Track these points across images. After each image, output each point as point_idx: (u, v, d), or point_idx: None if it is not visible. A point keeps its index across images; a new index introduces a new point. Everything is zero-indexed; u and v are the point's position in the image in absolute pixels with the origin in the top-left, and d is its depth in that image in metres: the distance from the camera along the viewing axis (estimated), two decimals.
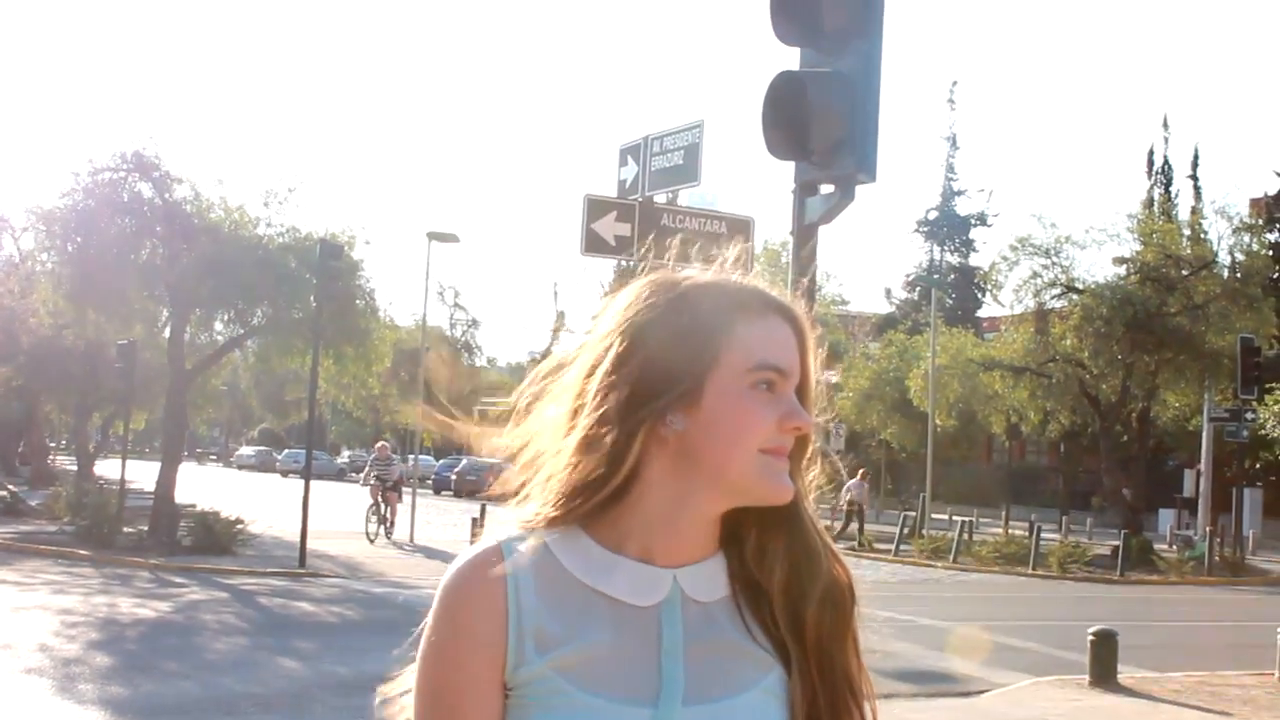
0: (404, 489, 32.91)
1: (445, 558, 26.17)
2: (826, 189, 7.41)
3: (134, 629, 15.85)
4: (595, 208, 10.07)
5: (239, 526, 25.95)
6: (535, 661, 1.66)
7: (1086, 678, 14.14)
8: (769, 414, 1.67)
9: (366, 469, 33.22)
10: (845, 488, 37.94)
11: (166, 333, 29.56)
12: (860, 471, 41.04)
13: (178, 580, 20.86)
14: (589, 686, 1.63)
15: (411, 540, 30.54)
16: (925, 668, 15.25)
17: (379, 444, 35.08)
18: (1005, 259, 40.20)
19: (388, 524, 30.76)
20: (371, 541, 29.16)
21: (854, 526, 38.36)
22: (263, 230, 27.48)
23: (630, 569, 1.69)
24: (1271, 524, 50.44)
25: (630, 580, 1.69)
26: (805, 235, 7.42)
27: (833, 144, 7.00)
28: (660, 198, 10.56)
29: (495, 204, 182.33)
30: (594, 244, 10.08)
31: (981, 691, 13.95)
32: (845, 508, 38.57)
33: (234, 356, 37.10)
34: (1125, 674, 14.43)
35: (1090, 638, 14.26)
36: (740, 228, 10.61)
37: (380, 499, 30.82)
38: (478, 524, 26.31)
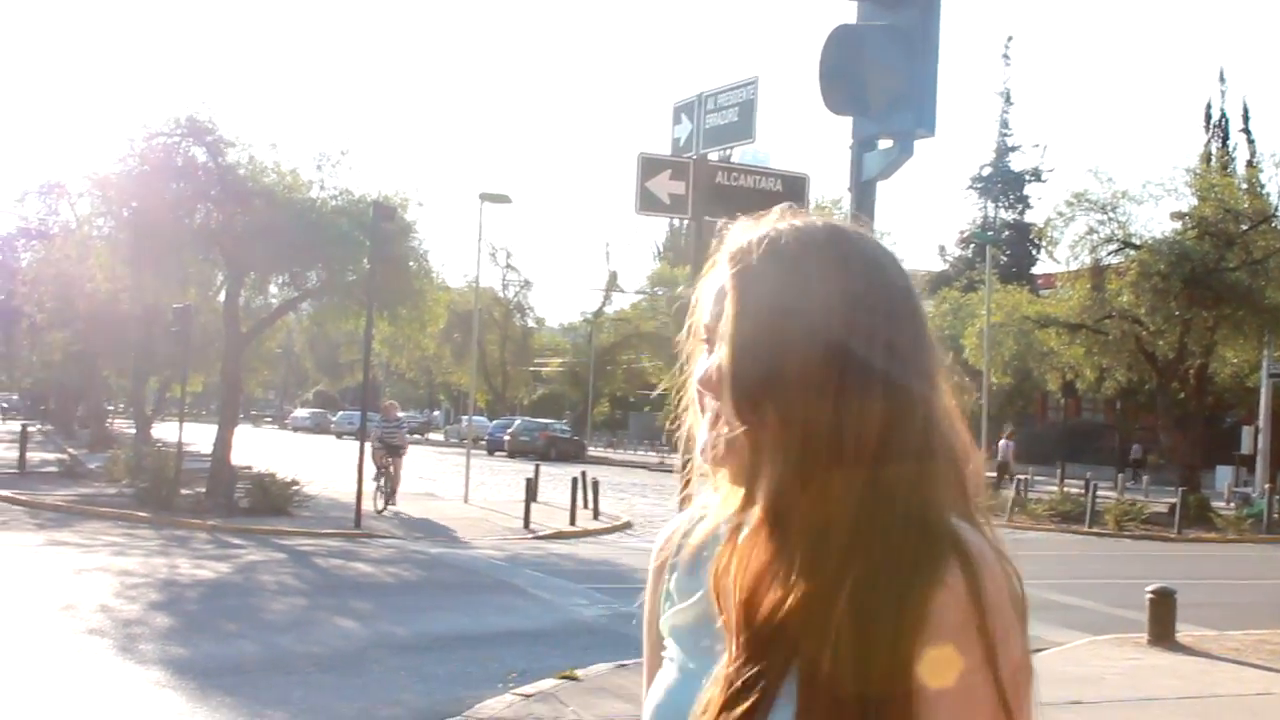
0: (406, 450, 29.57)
1: (500, 518, 26.30)
2: (884, 144, 7.32)
3: (193, 590, 15.99)
4: (649, 166, 10.00)
5: (295, 488, 26.12)
6: (664, 618, 1.71)
7: (1145, 636, 14.02)
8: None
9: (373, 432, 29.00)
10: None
11: (221, 296, 29.73)
12: (1007, 431, 40.92)
13: (235, 541, 21.01)
14: (685, 644, 1.66)
15: (466, 500, 30.65)
16: None
17: (385, 403, 31.86)
18: (1061, 215, 39.85)
19: (390, 492, 27.70)
20: (379, 512, 26.36)
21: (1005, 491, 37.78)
22: (316, 193, 27.54)
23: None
24: None
25: None
26: (863, 191, 7.34)
27: (891, 98, 6.91)
28: (714, 155, 10.49)
29: (548, 164, 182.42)
30: (648, 202, 10.01)
31: (1039, 650, 13.86)
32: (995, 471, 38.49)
33: (289, 319, 37.29)
34: (1183, 632, 14.31)
35: (1149, 596, 14.14)
36: (795, 185, 10.53)
37: (385, 464, 27.79)
38: (532, 483, 26.51)
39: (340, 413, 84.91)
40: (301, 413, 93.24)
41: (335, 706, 9.96)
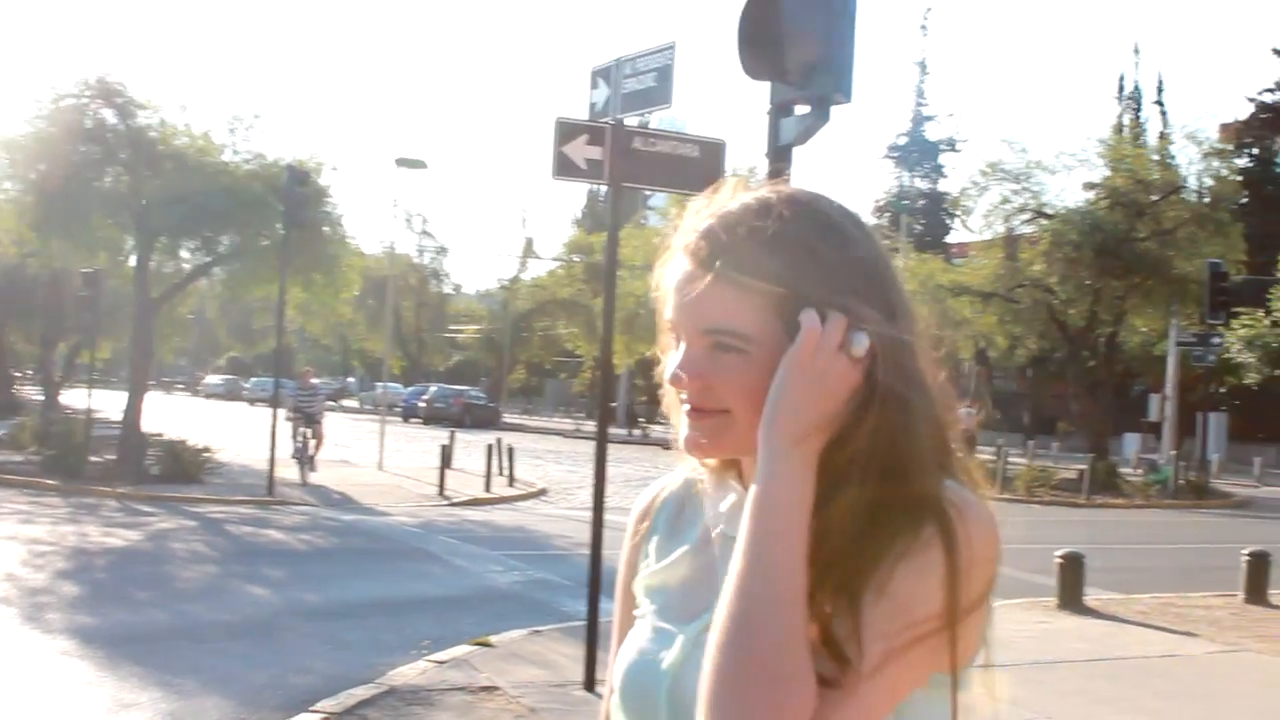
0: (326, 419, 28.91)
1: (415, 485, 26.17)
2: (802, 110, 7.30)
3: (102, 558, 15.76)
4: (566, 131, 9.92)
5: (206, 455, 25.88)
6: (641, 578, 1.72)
7: (1054, 600, 14.20)
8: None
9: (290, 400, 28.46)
10: None
11: (132, 261, 29.26)
12: (968, 400, 41.24)
13: (145, 509, 20.76)
14: (660, 604, 1.67)
15: (381, 468, 30.47)
16: None
17: (302, 370, 30.90)
18: (975, 184, 40.23)
19: (310, 461, 26.84)
20: (303, 484, 25.48)
21: None
22: (228, 157, 27.17)
23: (733, 500, 1.65)
24: (1235, 448, 50.93)
25: (730, 510, 1.65)
26: (780, 157, 7.33)
27: (809, 64, 6.89)
28: (632, 121, 10.43)
29: (464, 129, 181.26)
30: (565, 168, 9.92)
31: None
32: None
33: (201, 285, 36.78)
34: (1092, 596, 14.52)
35: (1058, 561, 14.32)
36: (713, 151, 10.48)
37: (302, 434, 26.94)
38: (447, 450, 26.39)
39: (253, 379, 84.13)
40: (214, 379, 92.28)
41: (247, 674, 9.86)
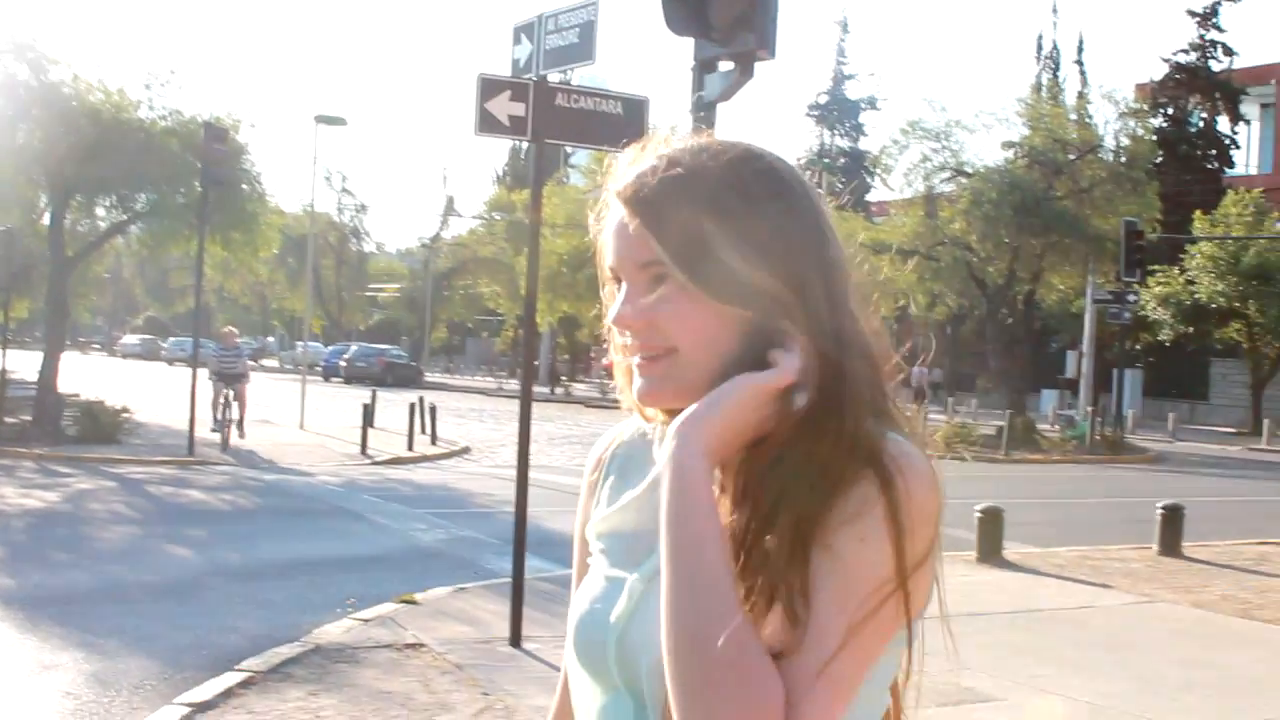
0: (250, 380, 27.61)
1: (337, 444, 26.05)
2: (725, 66, 7.31)
3: (20, 520, 15.57)
4: (489, 87, 9.86)
5: (125, 416, 25.60)
6: (593, 523, 1.73)
7: (974, 554, 14.38)
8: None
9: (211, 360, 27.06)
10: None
11: (46, 219, 28.80)
12: (922, 358, 41.54)
13: (64, 470, 20.54)
14: (609, 552, 1.68)
15: (302, 427, 30.29)
16: None
17: (224, 330, 28.75)
18: (896, 143, 40.47)
19: (238, 426, 25.73)
20: (226, 447, 24.41)
21: None
22: (144, 114, 26.80)
23: None
24: (1150, 404, 51.72)
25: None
26: (704, 114, 7.33)
27: (733, 19, 6.90)
28: (554, 77, 10.40)
29: (383, 86, 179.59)
30: (488, 124, 9.87)
31: None
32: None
33: (117, 243, 36.30)
34: (1011, 550, 14.71)
35: (978, 515, 14.50)
36: (635, 108, 10.47)
37: (225, 397, 25.59)
38: (369, 409, 26.26)
39: (172, 339, 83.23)
40: (131, 339, 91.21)
41: (170, 634, 9.80)
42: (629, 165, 1.61)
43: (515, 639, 9.24)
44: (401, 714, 7.49)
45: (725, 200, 1.53)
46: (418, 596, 10.93)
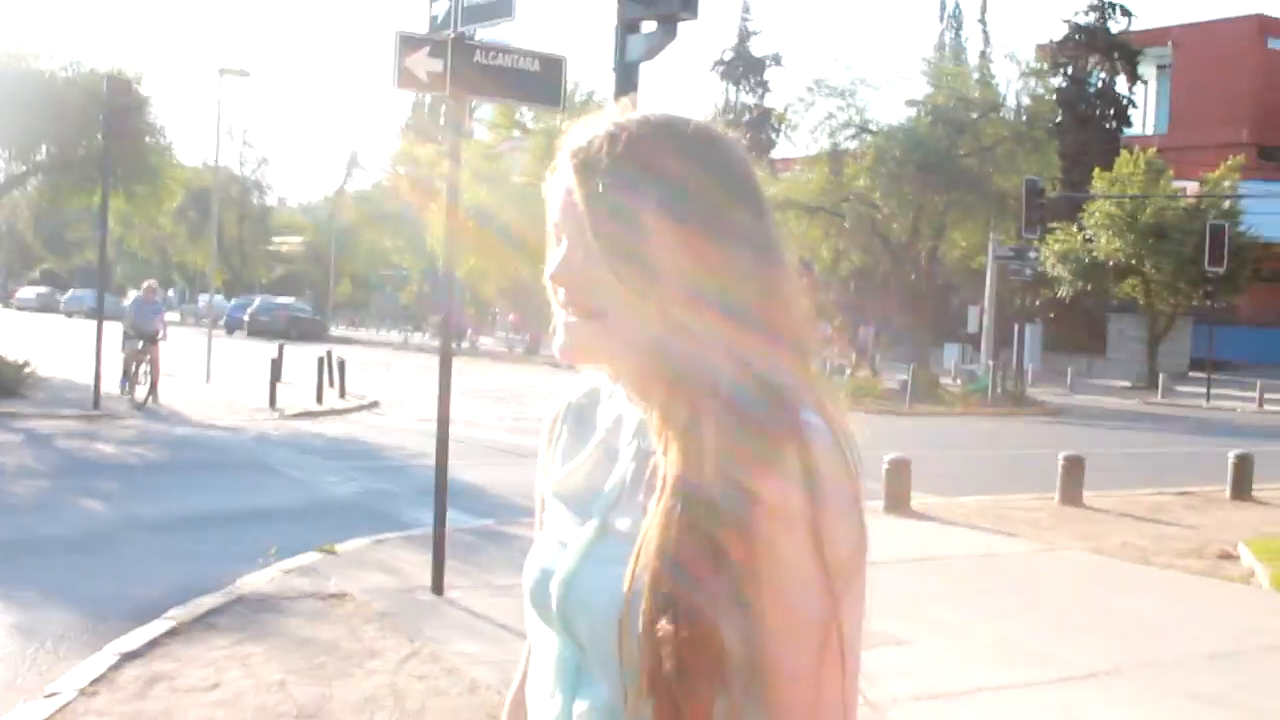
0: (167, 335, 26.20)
1: (245, 397, 25.88)
2: (648, 27, 7.43)
3: None
4: (408, 44, 9.91)
5: (27, 369, 25.24)
6: (549, 483, 1.78)
7: (881, 504, 14.68)
8: None
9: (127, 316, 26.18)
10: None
11: None
12: (866, 320, 41.95)
13: None
14: (559, 510, 1.73)
15: (208, 381, 30.06)
16: None
17: (146, 284, 27.30)
18: (801, 100, 40.73)
19: (151, 384, 24.62)
20: (139, 405, 23.69)
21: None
22: (45, 65, 26.40)
23: (623, 407, 1.72)
24: (1050, 358, 52.53)
25: (618, 418, 1.72)
26: (627, 73, 7.46)
27: None
28: (483, 34, 10.44)
29: (286, 38, 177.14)
30: (406, 79, 9.93)
31: None
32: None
33: (14, 195, 35.74)
34: (917, 500, 15.01)
35: (885, 466, 14.79)
36: (552, 66, 10.55)
37: (138, 356, 24.69)
38: (277, 363, 26.10)
39: (70, 292, 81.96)
40: (28, 292, 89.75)
41: (88, 586, 9.82)
42: (584, 130, 1.65)
43: (437, 587, 9.37)
44: (329, 661, 7.60)
45: (663, 180, 1.56)
46: (337, 547, 11.01)
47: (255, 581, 9.64)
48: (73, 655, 7.83)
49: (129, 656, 7.51)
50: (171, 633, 8.05)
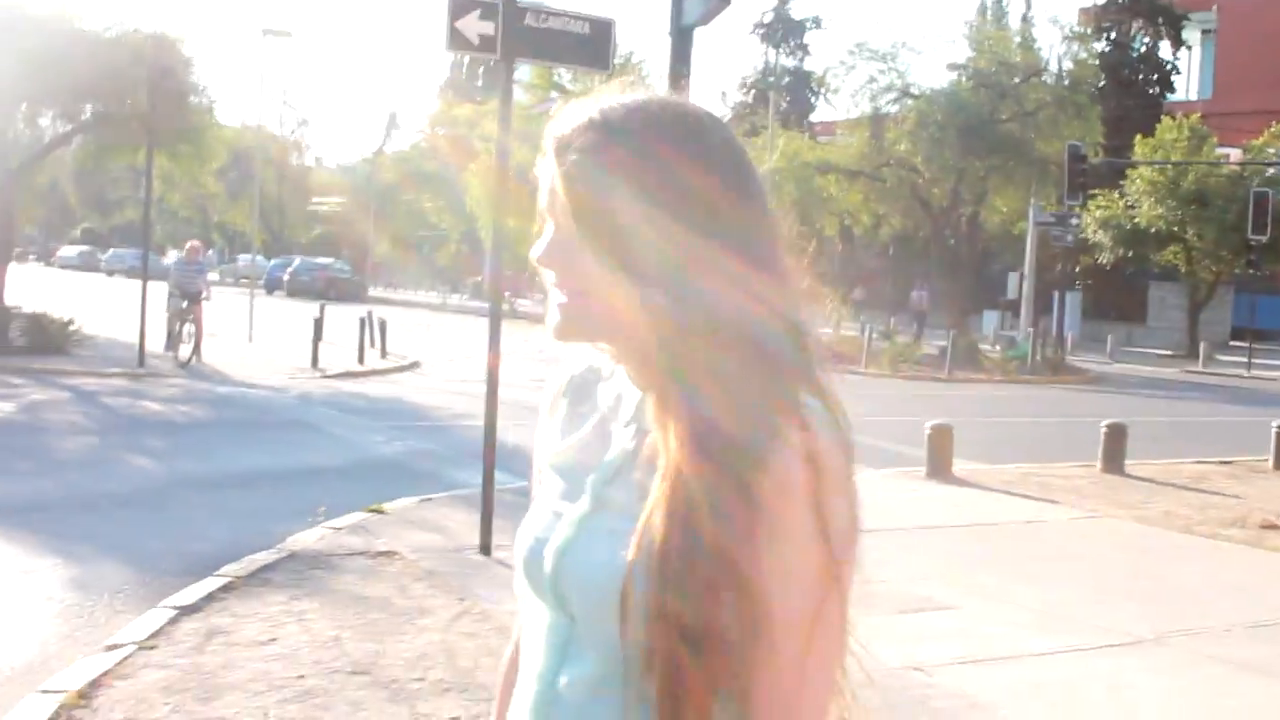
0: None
1: (287, 357, 26.06)
2: None
3: None
4: (459, 6, 9.96)
5: (72, 327, 25.49)
6: (548, 455, 1.80)
7: (923, 470, 14.73)
8: None
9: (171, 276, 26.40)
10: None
11: None
12: (918, 283, 42.03)
13: (14, 380, 20.48)
14: (556, 484, 1.76)
15: (250, 340, 30.28)
16: None
17: (189, 244, 27.86)
18: (843, 63, 40.56)
19: (195, 344, 24.83)
20: (183, 365, 23.95)
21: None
22: (90, 24, 26.51)
23: (623, 385, 1.74)
24: (1089, 325, 52.33)
25: (619, 395, 1.74)
26: (682, 38, 7.48)
27: None
28: None
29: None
30: (458, 41, 9.98)
31: None
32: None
33: (58, 154, 35.95)
34: (958, 466, 15.04)
35: (928, 432, 14.83)
36: (602, 29, 10.59)
37: (182, 314, 24.93)
38: (319, 323, 26.25)
39: (111, 251, 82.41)
40: (69, 251, 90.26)
41: (142, 541, 9.97)
42: (569, 112, 1.66)
43: (485, 547, 9.47)
44: (382, 617, 7.71)
45: (639, 162, 1.57)
46: (385, 506, 11.12)
47: (306, 539, 9.75)
48: (128, 609, 7.96)
49: (186, 611, 7.63)
50: (227, 588, 8.17)
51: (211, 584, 8.24)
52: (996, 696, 6.97)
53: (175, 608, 7.67)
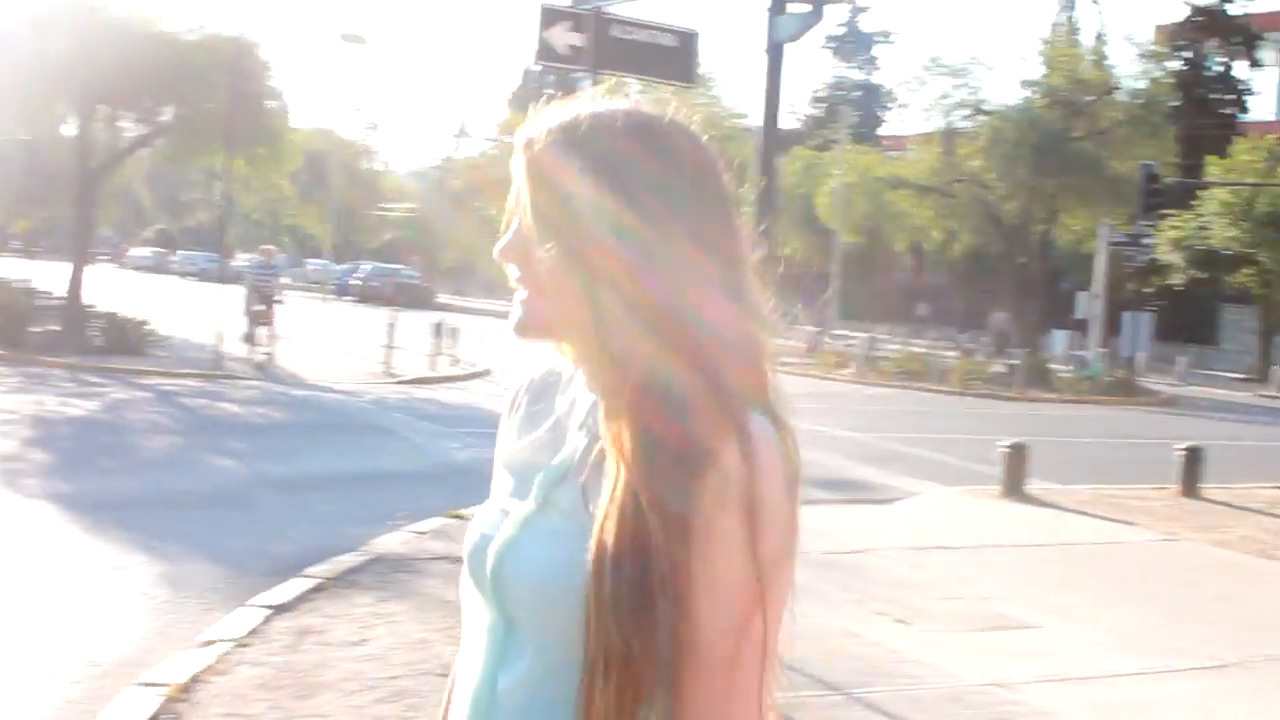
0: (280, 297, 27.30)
1: (359, 362, 26.30)
2: (796, 7, 7.51)
3: (64, 427, 15.93)
4: (549, 17, 10.09)
5: (148, 328, 25.82)
6: (504, 454, 1.81)
7: (997, 488, 14.70)
8: None
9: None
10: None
11: (64, 130, 28.87)
12: (998, 309, 42.26)
13: (95, 380, 20.78)
14: (507, 483, 1.76)
15: (323, 344, 30.54)
16: (842, 476, 15.76)
17: (263, 247, 29.01)
18: (915, 78, 40.46)
19: (267, 348, 25.53)
20: (258, 366, 24.48)
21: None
22: (170, 27, 26.86)
23: (579, 389, 1.74)
24: (1160, 347, 51.83)
25: (574, 399, 1.74)
26: (775, 53, 7.55)
27: None
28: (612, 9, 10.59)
29: (395, 3, 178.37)
30: (547, 53, 10.11)
31: (897, 499, 14.48)
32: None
33: (137, 156, 36.39)
34: (1032, 485, 14.99)
35: (1004, 450, 14.79)
36: (688, 41, 10.69)
37: (259, 315, 25.67)
38: (392, 328, 26.46)
39: (181, 253, 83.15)
40: (142, 252, 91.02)
41: (226, 541, 10.12)
42: (544, 114, 1.67)
43: None
44: None
45: (603, 171, 1.58)
46: (464, 511, 11.21)
47: (389, 542, 9.88)
48: (218, 607, 8.09)
49: (278, 610, 7.76)
50: (317, 589, 8.30)
51: (301, 584, 8.37)
52: (1082, 716, 6.98)
53: (267, 607, 7.80)
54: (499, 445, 1.83)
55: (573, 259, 1.58)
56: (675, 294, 1.56)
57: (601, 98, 1.66)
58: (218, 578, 8.92)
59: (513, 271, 1.66)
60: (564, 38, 10.17)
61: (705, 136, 1.69)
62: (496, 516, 1.71)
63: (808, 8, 7.47)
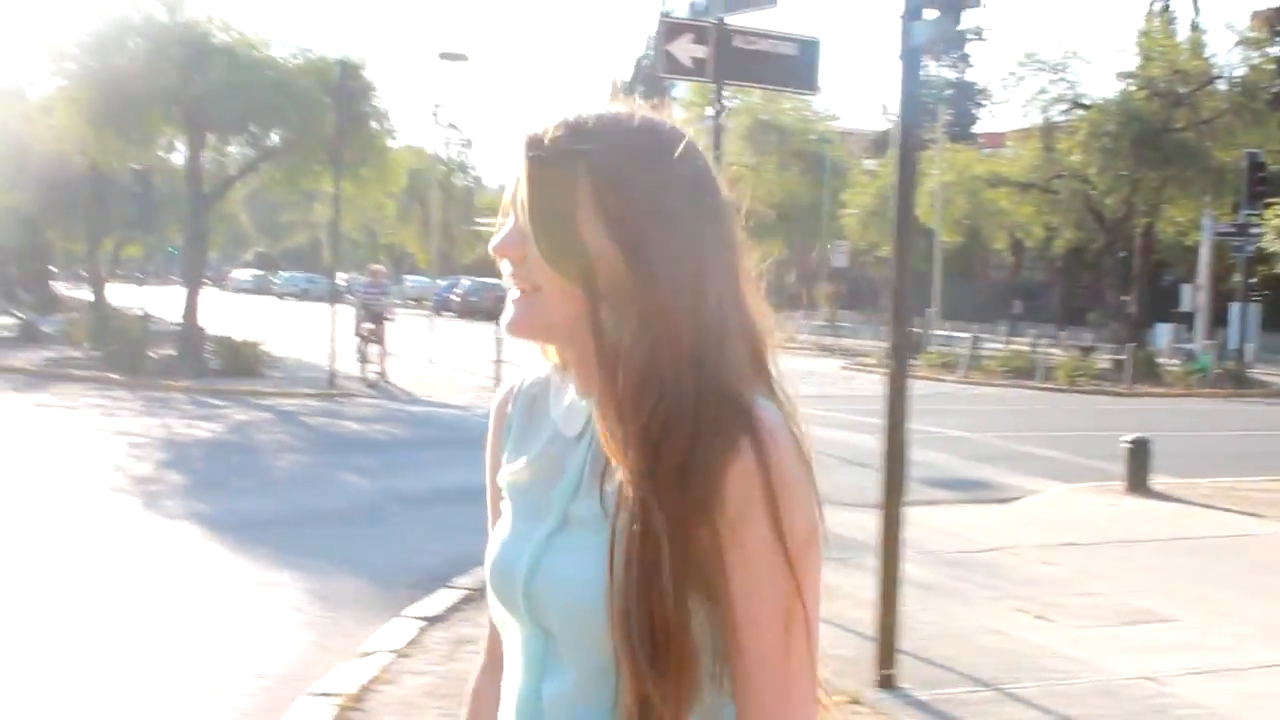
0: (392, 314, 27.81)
1: (469, 377, 26.56)
2: (930, 14, 7.56)
3: (194, 449, 16.30)
4: (672, 30, 10.23)
5: (261, 349, 26.26)
6: (502, 473, 1.81)
7: (1119, 484, 14.63)
8: None
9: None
10: None
11: (174, 156, 29.46)
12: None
13: (214, 402, 21.24)
14: (516, 501, 1.76)
15: (431, 361, 30.89)
16: (961, 475, 15.78)
17: (373, 267, 29.51)
18: (1012, 74, 40.17)
19: (379, 365, 26.03)
20: (371, 385, 24.92)
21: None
22: (277, 52, 27.36)
23: (572, 397, 1.74)
24: (1269, 338, 51.00)
25: (568, 408, 1.74)
26: (910, 61, 7.60)
27: None
28: (732, 20, 10.70)
29: (488, 20, 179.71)
30: (671, 66, 10.24)
31: (1018, 498, 14.47)
32: None
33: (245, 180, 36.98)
34: (1154, 480, 14.90)
35: (1127, 445, 14.72)
36: (809, 50, 10.77)
37: (368, 333, 26.14)
38: (500, 344, 26.66)
39: (283, 274, 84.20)
40: (243, 274, 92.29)
41: (369, 555, 10.33)
42: (546, 114, 1.66)
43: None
44: None
45: (599, 173, 1.57)
46: None
47: None
48: (370, 619, 8.29)
49: (432, 621, 7.96)
50: (465, 599, 8.48)
51: (450, 595, 8.57)
52: (1236, 708, 6.99)
53: (420, 618, 8.00)
54: (493, 462, 1.86)
55: (571, 259, 1.57)
56: (673, 294, 1.56)
57: (607, 101, 1.67)
58: (365, 591, 9.14)
59: (507, 268, 1.66)
60: (687, 50, 10.29)
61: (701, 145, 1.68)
62: (515, 540, 1.71)
63: (942, 14, 7.49)
